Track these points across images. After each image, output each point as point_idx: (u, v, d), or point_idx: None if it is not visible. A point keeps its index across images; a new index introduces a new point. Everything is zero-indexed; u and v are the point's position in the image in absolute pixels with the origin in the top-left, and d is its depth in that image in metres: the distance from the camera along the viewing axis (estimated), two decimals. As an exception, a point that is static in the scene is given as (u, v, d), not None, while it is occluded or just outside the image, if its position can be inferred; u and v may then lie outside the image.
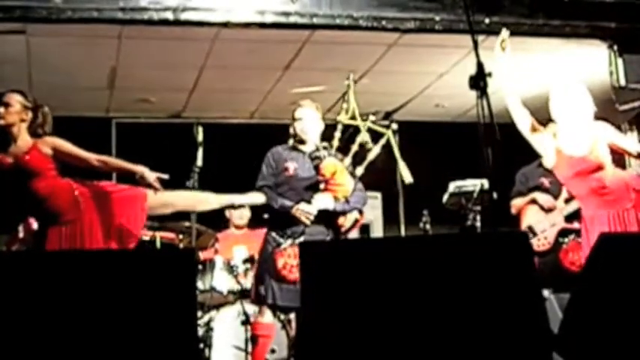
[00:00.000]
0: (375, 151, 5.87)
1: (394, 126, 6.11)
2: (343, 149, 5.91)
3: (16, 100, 5.36)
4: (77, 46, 7.43)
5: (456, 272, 3.09)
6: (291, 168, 5.81)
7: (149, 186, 5.27)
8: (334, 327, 2.97)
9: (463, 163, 6.84)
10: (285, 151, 5.90)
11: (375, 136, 6.00)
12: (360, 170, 5.84)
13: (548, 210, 6.65)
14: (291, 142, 5.95)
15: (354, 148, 5.82)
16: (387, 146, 5.95)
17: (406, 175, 5.97)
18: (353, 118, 5.98)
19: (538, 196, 6.69)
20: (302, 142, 5.89)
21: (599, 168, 5.36)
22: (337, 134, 5.88)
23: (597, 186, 5.34)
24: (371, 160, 5.86)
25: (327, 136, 5.96)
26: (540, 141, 5.52)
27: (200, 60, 8.04)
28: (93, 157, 5.34)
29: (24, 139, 5.31)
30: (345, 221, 5.87)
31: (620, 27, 7.36)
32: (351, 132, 6.00)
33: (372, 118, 5.95)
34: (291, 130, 5.93)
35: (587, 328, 3.14)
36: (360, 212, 6.00)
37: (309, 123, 5.85)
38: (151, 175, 5.27)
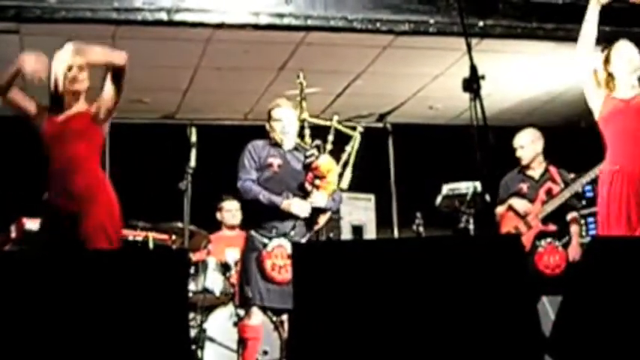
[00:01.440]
0: (347, 151, 5.89)
1: (360, 128, 6.12)
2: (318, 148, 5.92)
3: (85, 62, 4.94)
4: (71, 46, 7.42)
5: (448, 274, 3.10)
6: (275, 164, 5.79)
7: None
8: (327, 328, 2.98)
9: (456, 165, 6.85)
10: (267, 147, 5.87)
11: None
12: (338, 169, 5.85)
13: (524, 215, 6.73)
14: (272, 140, 5.92)
15: (328, 147, 5.83)
16: (378, 149, 5.97)
17: (345, 180, 5.97)
18: (312, 117, 6.02)
19: (514, 201, 6.80)
20: (282, 140, 5.87)
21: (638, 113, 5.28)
22: (307, 132, 5.89)
23: (631, 128, 5.22)
24: (356, 161, 5.88)
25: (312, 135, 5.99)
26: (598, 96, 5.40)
27: (194, 61, 8.04)
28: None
29: (84, 104, 5.00)
30: (322, 219, 5.89)
31: (613, 31, 7.37)
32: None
33: (336, 118, 5.97)
34: (269, 129, 5.90)
35: (579, 331, 3.14)
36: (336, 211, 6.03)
37: (288, 123, 5.84)
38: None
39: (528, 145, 6.85)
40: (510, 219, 6.80)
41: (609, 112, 5.25)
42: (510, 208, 6.82)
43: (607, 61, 5.38)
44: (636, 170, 5.15)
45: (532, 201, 6.75)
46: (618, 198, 5.15)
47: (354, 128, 6.06)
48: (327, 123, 5.94)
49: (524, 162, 6.85)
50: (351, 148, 5.95)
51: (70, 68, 4.89)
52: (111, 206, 4.97)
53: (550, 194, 6.76)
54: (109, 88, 4.92)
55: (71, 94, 4.95)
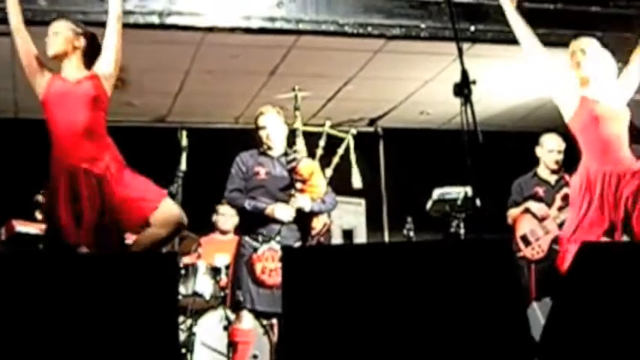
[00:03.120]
0: (338, 154, 5.92)
1: (353, 131, 6.16)
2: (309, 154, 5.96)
3: (64, 26, 4.99)
4: (62, 48, 7.40)
5: (439, 279, 3.10)
6: (262, 172, 5.86)
7: None
8: (317, 333, 2.97)
9: (447, 170, 6.85)
10: (254, 156, 5.95)
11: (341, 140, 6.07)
12: (328, 172, 5.88)
13: (541, 219, 6.71)
14: (260, 148, 5.98)
15: (319, 152, 5.86)
16: (370, 153, 6.00)
17: (356, 180, 6.01)
18: (305, 125, 6.07)
19: (531, 204, 6.76)
20: (269, 147, 5.93)
21: (619, 120, 5.19)
22: (299, 140, 5.93)
23: (610, 136, 5.14)
24: (337, 163, 5.91)
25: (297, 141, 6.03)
26: (562, 86, 5.32)
27: (185, 64, 8.03)
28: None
29: (81, 70, 4.95)
30: (317, 224, 5.92)
31: (605, 36, 7.39)
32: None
33: (328, 123, 6.00)
34: (258, 138, 5.96)
35: (569, 336, 3.14)
36: (328, 216, 6.06)
37: (273, 129, 5.91)
38: None
39: (562, 149, 6.82)
40: (527, 221, 6.75)
41: (588, 119, 5.19)
42: (527, 210, 6.79)
43: (577, 62, 5.33)
44: (613, 174, 5.13)
45: (549, 205, 6.71)
46: (591, 200, 5.13)
47: (347, 132, 6.10)
48: (320, 129, 5.98)
49: (557, 166, 6.82)
50: (343, 150, 5.98)
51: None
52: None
53: (567, 200, 6.71)
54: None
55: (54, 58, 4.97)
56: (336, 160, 5.91)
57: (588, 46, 5.30)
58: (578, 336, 3.12)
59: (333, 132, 5.99)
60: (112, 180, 4.80)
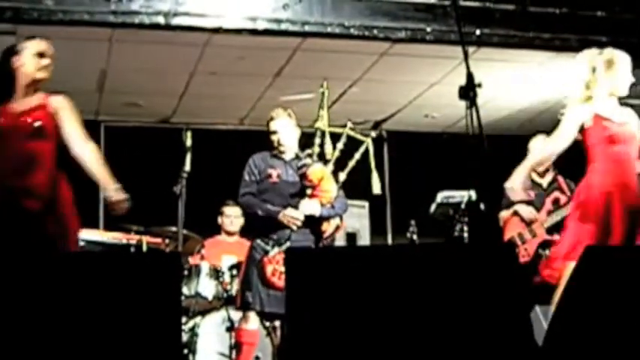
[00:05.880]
0: (355, 158, 5.89)
1: (373, 134, 6.13)
2: (324, 156, 5.92)
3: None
4: (68, 48, 7.37)
5: (442, 282, 3.10)
6: (274, 174, 5.85)
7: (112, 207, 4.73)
8: (319, 334, 2.97)
9: (451, 173, 6.85)
10: (267, 159, 5.94)
11: (355, 143, 6.02)
12: (342, 176, 5.85)
13: (530, 222, 6.68)
14: (272, 151, 5.98)
15: (336, 154, 5.83)
16: (374, 155, 5.96)
17: (376, 186, 5.97)
18: (329, 125, 6.01)
19: (520, 208, 6.72)
20: (281, 151, 5.93)
21: (633, 139, 5.14)
22: (317, 141, 5.90)
23: (624, 156, 5.07)
24: (353, 167, 5.88)
25: (310, 143, 5.98)
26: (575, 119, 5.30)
27: (190, 65, 8.03)
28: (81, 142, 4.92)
29: (38, 95, 4.78)
30: (328, 227, 5.91)
31: (610, 41, 7.38)
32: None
33: (350, 125, 5.97)
34: (270, 142, 5.96)
35: (572, 340, 3.14)
36: (340, 218, 6.04)
37: (284, 133, 5.89)
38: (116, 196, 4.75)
39: None
40: (515, 224, 6.74)
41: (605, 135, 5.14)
42: (516, 213, 6.77)
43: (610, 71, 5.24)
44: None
45: (538, 209, 6.68)
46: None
47: (366, 135, 6.06)
48: (341, 130, 5.95)
49: (542, 168, 6.73)
50: (361, 154, 5.95)
51: (41, 54, 4.76)
52: (72, 206, 4.81)
53: (557, 204, 6.70)
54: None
55: (36, 82, 4.78)
56: (352, 163, 5.86)
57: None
58: (580, 340, 3.12)
59: (353, 134, 5.95)
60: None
